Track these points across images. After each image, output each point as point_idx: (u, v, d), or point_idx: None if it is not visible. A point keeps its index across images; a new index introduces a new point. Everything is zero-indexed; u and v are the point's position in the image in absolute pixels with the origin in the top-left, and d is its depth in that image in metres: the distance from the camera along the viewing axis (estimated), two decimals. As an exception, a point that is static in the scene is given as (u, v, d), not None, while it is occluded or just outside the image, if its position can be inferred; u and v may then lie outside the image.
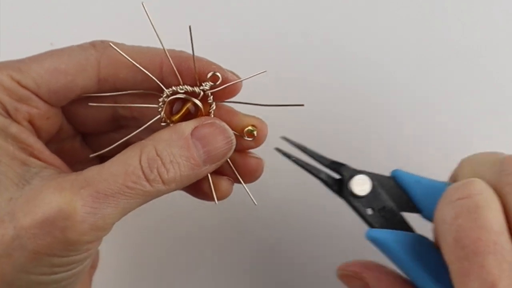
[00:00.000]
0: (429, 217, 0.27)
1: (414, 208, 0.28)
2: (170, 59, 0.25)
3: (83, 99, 0.27)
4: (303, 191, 0.36)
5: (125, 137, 0.27)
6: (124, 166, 0.24)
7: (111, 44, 0.26)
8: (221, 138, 0.25)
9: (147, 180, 0.24)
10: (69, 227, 0.22)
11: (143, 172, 0.24)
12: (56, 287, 0.24)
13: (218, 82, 0.26)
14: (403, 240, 0.26)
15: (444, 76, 0.38)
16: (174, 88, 0.26)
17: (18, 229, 0.23)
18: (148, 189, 0.24)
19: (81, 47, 0.26)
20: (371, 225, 0.27)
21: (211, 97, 0.26)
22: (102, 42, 0.27)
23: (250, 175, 0.28)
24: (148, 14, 0.25)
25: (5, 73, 0.25)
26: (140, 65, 0.26)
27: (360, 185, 0.28)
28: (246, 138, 0.26)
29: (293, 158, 0.29)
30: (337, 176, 0.29)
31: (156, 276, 0.38)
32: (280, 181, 0.36)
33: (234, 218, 0.38)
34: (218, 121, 0.26)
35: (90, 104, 0.27)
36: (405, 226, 0.28)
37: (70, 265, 0.24)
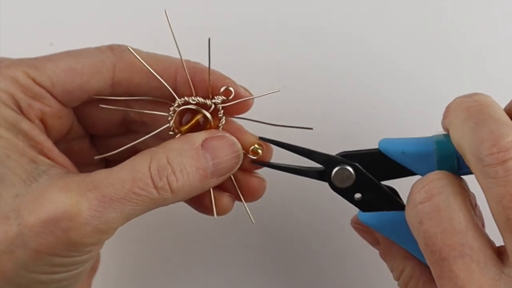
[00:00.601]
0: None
1: (409, 172, 0.27)
2: (185, 69, 0.26)
3: (95, 100, 0.27)
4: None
5: (133, 142, 0.28)
6: (133, 172, 0.24)
7: (129, 48, 0.26)
8: (230, 151, 0.26)
9: (155, 187, 0.24)
10: (72, 228, 0.23)
11: (152, 179, 0.24)
12: (56, 286, 0.24)
13: (230, 97, 0.26)
14: (391, 222, 0.27)
15: (444, 76, 0.38)
16: (186, 98, 0.26)
17: (22, 226, 0.23)
18: (155, 197, 0.24)
19: (99, 49, 0.26)
20: (361, 208, 0.28)
21: (222, 111, 0.27)
22: (120, 46, 0.27)
23: (252, 194, 0.28)
24: (170, 23, 0.25)
25: (20, 69, 0.25)
26: (155, 73, 0.26)
27: (341, 179, 0.27)
28: (251, 156, 0.27)
29: (272, 165, 0.29)
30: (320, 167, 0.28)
31: (155, 277, 0.39)
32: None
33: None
34: (228, 135, 0.26)
35: (102, 106, 0.27)
36: (395, 204, 0.27)
37: (71, 266, 0.24)
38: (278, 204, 0.37)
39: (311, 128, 0.27)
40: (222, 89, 0.26)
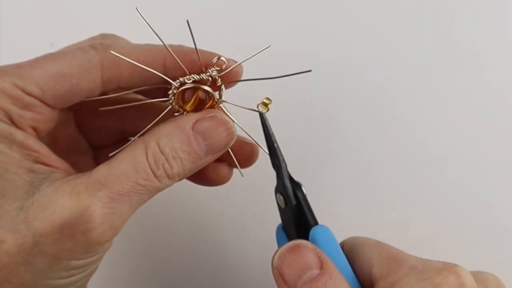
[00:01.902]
0: None
1: None
2: (173, 54, 0.26)
3: (93, 110, 0.28)
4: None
5: None
6: (133, 164, 0.24)
7: (112, 52, 0.25)
8: (222, 130, 0.26)
9: (155, 176, 0.24)
10: (90, 229, 0.23)
11: (151, 169, 0.24)
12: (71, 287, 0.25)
13: (223, 66, 0.26)
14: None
15: (445, 76, 0.38)
16: (181, 79, 0.26)
17: (37, 236, 0.23)
18: (157, 185, 0.24)
19: (82, 49, 0.26)
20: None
21: (219, 80, 0.26)
22: (102, 43, 0.26)
23: (247, 160, 0.29)
24: (144, 16, 0.25)
25: (7, 80, 0.25)
26: (143, 63, 0.26)
27: (280, 201, 0.28)
28: (260, 109, 0.27)
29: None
30: None
31: (152, 276, 0.39)
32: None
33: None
34: (218, 114, 0.26)
35: (101, 109, 0.27)
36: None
37: (86, 266, 0.24)
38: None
39: (309, 70, 0.26)
40: (214, 60, 0.26)
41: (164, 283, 0.39)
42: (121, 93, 0.27)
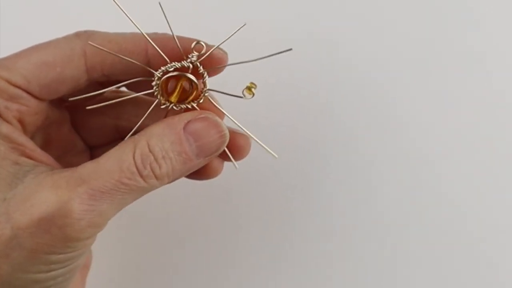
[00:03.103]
0: None
1: None
2: (150, 41, 0.25)
3: (90, 109, 0.28)
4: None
5: None
6: (119, 162, 0.24)
7: (90, 43, 0.25)
8: (214, 132, 0.25)
9: (141, 176, 0.24)
10: (67, 225, 0.23)
11: (137, 168, 0.24)
12: (52, 283, 0.25)
13: (203, 51, 0.26)
14: None
15: (444, 77, 0.37)
16: (162, 68, 0.26)
17: (15, 229, 0.23)
18: (143, 185, 0.24)
19: (66, 38, 0.26)
20: None
21: (201, 67, 0.26)
22: (86, 31, 0.26)
23: (239, 152, 0.28)
24: (119, 4, 0.25)
25: None
26: (125, 51, 0.26)
27: None
28: (246, 94, 0.26)
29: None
30: None
31: (151, 274, 0.38)
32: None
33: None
34: (211, 115, 0.26)
35: (88, 107, 0.27)
36: None
37: (67, 262, 0.24)
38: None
39: (290, 49, 0.25)
40: (192, 45, 0.25)
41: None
42: (110, 88, 0.27)
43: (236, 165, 0.27)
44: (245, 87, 0.26)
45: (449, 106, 0.37)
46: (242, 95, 0.26)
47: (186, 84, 0.26)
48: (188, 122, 0.25)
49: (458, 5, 0.36)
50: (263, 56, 0.26)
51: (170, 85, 0.26)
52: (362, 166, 0.37)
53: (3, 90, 0.25)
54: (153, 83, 0.26)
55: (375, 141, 0.37)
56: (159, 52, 0.26)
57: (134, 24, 0.25)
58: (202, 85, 0.26)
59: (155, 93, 0.26)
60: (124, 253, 0.39)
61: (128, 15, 0.25)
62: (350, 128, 0.37)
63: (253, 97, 0.26)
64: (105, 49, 0.25)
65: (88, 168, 0.24)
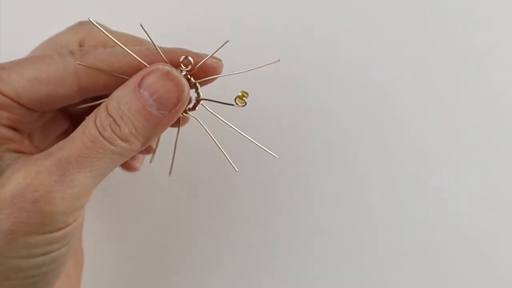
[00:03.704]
0: None
1: None
2: (164, 56, 0.25)
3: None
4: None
5: None
6: (82, 129, 0.24)
7: (79, 63, 0.25)
8: (167, 81, 0.25)
9: (104, 138, 0.24)
10: (40, 199, 0.23)
11: (98, 130, 0.24)
12: (37, 272, 0.24)
13: (190, 66, 0.26)
14: None
15: (445, 77, 0.37)
16: None
17: None
18: (110, 148, 0.24)
19: (60, 54, 0.26)
20: None
21: (192, 78, 0.26)
22: (81, 49, 0.26)
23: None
24: (146, 31, 0.25)
25: None
26: (118, 70, 0.26)
27: None
28: (238, 103, 0.26)
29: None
30: None
31: (148, 273, 0.38)
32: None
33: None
34: (161, 66, 0.25)
35: (79, 107, 0.27)
36: None
37: (48, 246, 0.24)
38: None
39: (278, 60, 0.26)
40: (181, 59, 0.25)
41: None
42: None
43: (236, 168, 0.27)
44: (236, 96, 0.26)
45: (449, 106, 0.37)
46: (234, 103, 0.26)
47: None
48: (142, 78, 0.24)
49: (458, 5, 0.36)
50: (252, 68, 0.26)
51: None
52: (362, 166, 0.37)
53: None
54: None
55: (375, 141, 0.37)
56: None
57: (155, 46, 0.25)
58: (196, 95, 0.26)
59: None
60: (119, 252, 0.39)
61: (149, 35, 0.25)
62: (350, 128, 0.37)
63: (246, 106, 0.26)
64: (96, 67, 0.25)
65: (57, 144, 0.24)
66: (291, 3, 0.37)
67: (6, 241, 0.23)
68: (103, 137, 0.24)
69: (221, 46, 0.25)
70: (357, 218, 0.37)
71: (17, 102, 0.26)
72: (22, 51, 0.35)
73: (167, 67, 0.25)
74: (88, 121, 0.24)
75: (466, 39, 0.36)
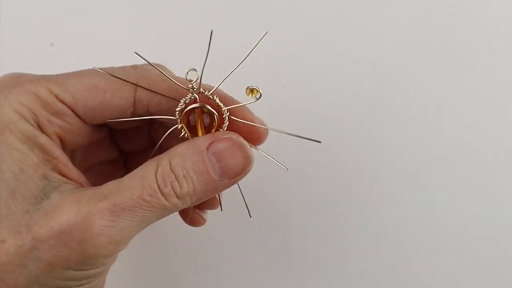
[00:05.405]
0: None
1: None
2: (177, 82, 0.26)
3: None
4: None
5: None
6: (141, 180, 0.24)
7: (139, 85, 0.26)
8: (238, 153, 0.25)
9: (162, 194, 0.24)
10: (86, 240, 0.23)
11: (158, 185, 0.24)
12: None
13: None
14: None
15: (445, 77, 0.37)
16: (176, 110, 0.26)
17: (35, 240, 0.23)
18: (164, 203, 0.24)
19: (122, 68, 0.26)
20: None
21: (228, 113, 0.26)
22: (143, 65, 0.27)
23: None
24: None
25: (43, 85, 0.25)
26: (177, 93, 0.26)
27: None
28: (249, 96, 0.26)
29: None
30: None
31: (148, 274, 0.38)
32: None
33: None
34: (235, 136, 0.25)
35: (109, 120, 0.27)
36: None
37: (84, 280, 0.24)
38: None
39: (319, 141, 0.26)
40: (188, 77, 0.25)
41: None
42: (144, 118, 0.27)
43: (250, 213, 0.28)
44: (248, 90, 0.26)
45: (449, 106, 0.37)
46: (252, 99, 0.26)
47: (206, 119, 0.26)
48: (212, 142, 0.25)
49: (458, 5, 0.37)
50: (293, 133, 0.27)
51: (191, 118, 0.26)
52: (361, 166, 0.37)
53: (50, 104, 0.25)
54: (179, 127, 0.26)
55: (375, 141, 0.37)
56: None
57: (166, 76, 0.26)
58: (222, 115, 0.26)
59: (185, 135, 0.26)
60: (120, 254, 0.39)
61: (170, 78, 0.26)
62: (350, 128, 0.37)
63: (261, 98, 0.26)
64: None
65: (111, 185, 0.24)
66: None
67: (44, 271, 0.23)
68: (162, 192, 0.24)
69: (261, 38, 0.25)
70: (357, 218, 0.38)
71: (72, 110, 0.26)
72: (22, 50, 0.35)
73: (241, 139, 0.25)
74: (148, 172, 0.24)
75: (466, 39, 0.37)
